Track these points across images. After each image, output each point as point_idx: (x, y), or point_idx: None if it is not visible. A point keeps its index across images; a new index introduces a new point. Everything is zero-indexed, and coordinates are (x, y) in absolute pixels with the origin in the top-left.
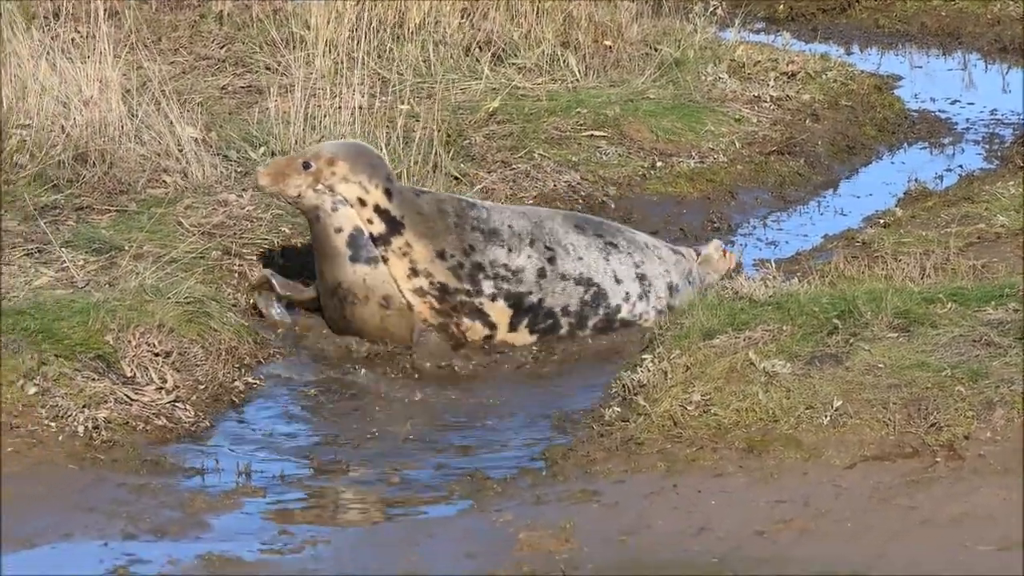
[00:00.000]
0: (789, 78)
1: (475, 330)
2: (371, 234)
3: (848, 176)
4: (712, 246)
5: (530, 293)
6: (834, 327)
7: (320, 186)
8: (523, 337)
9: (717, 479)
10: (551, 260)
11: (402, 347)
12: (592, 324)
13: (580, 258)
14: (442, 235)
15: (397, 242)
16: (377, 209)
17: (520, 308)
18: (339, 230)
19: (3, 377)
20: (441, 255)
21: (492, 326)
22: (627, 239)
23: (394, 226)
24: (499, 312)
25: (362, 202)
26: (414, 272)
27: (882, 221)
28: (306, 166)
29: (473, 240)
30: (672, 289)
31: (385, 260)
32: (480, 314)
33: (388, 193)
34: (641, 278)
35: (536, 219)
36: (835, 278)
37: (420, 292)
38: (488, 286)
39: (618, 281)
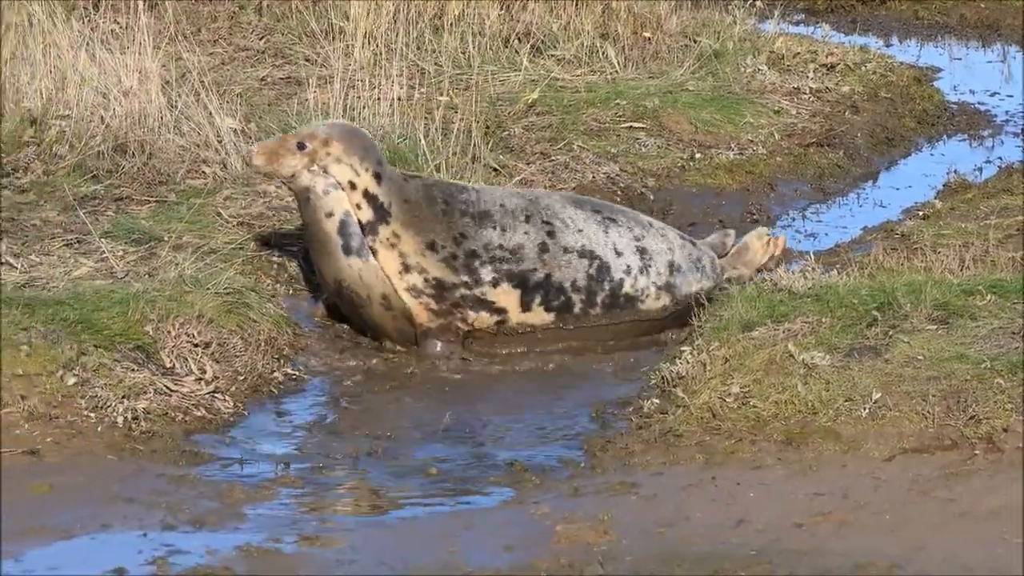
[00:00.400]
0: (828, 70)
1: (483, 320)
2: (359, 221)
3: (887, 168)
4: (754, 233)
5: (535, 270)
6: (873, 319)
7: (315, 167)
8: (540, 316)
9: (756, 471)
10: (551, 234)
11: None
12: (600, 300)
13: (580, 230)
14: (431, 224)
15: (384, 232)
16: (366, 194)
17: (527, 286)
18: (330, 215)
19: (42, 368)
20: (431, 246)
21: (501, 311)
22: (628, 216)
23: (381, 214)
24: (505, 295)
25: (352, 185)
26: (406, 267)
27: (921, 213)
28: (300, 146)
29: (463, 226)
30: (673, 268)
31: (374, 252)
32: (484, 303)
33: (378, 177)
34: (641, 252)
35: (531, 196)
36: (874, 270)
37: (415, 291)
38: (487, 272)
39: (618, 253)
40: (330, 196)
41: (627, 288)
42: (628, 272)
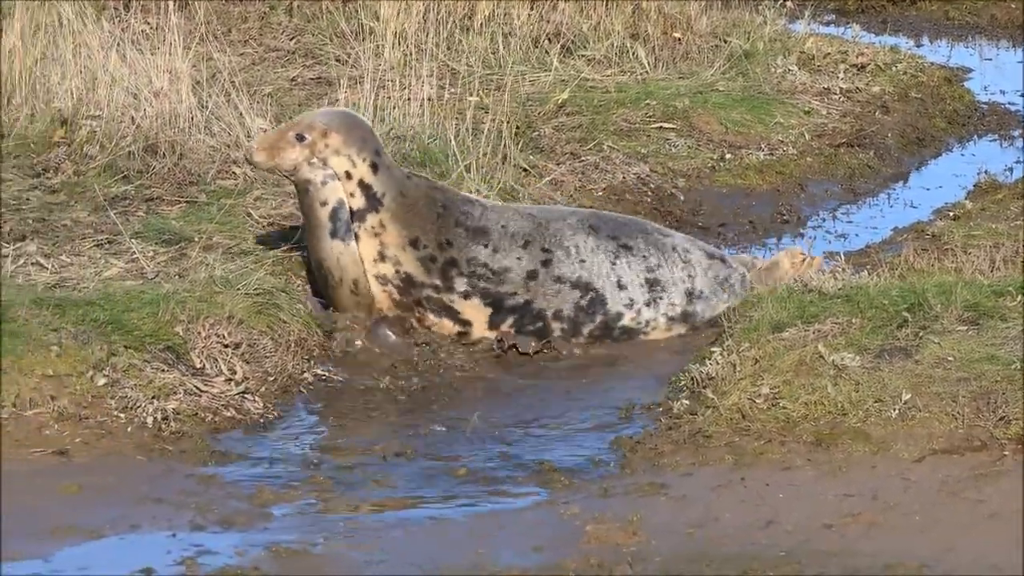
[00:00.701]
0: (859, 70)
1: (443, 326)
2: (351, 208)
3: (918, 168)
4: (787, 252)
5: (514, 294)
6: (903, 320)
7: (315, 159)
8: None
9: (785, 472)
10: (546, 263)
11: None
12: (587, 331)
13: (582, 260)
14: (420, 222)
15: (372, 219)
16: (361, 183)
17: (500, 307)
18: (324, 203)
19: (72, 368)
20: (414, 243)
21: (465, 323)
22: (649, 241)
23: (373, 203)
24: (473, 310)
25: (348, 175)
26: (382, 256)
27: (952, 214)
28: (300, 138)
29: (453, 236)
30: (693, 296)
31: (357, 238)
32: (449, 311)
33: (374, 167)
34: (652, 284)
35: (543, 220)
36: (904, 271)
37: (383, 279)
38: (461, 283)
39: (621, 287)
40: (327, 186)
41: (626, 321)
42: (630, 306)
